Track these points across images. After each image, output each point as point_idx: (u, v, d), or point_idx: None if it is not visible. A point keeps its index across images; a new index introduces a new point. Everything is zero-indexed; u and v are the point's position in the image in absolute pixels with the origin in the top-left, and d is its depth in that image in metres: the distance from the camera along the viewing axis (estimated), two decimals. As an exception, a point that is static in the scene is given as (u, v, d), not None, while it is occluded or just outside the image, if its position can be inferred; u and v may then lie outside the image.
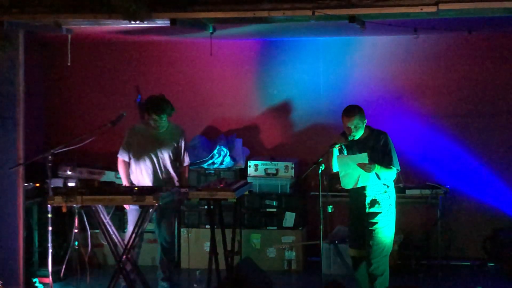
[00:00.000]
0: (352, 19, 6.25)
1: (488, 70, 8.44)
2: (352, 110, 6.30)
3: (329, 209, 6.36)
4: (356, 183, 6.27)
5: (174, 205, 7.02)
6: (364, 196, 6.33)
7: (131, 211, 7.02)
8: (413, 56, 8.51)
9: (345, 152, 6.40)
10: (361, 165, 6.18)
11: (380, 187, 6.31)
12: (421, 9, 6.11)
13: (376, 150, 6.30)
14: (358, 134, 6.31)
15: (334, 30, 7.77)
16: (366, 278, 6.40)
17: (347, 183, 6.31)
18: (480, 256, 8.30)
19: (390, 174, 6.32)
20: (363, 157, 6.18)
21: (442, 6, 6.04)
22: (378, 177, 6.28)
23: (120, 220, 7.94)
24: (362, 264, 6.45)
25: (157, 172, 7.02)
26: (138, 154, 7.04)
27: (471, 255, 8.38)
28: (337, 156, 6.32)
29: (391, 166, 6.28)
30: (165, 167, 7.05)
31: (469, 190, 8.41)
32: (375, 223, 6.29)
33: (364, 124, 6.33)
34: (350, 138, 6.26)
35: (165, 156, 7.05)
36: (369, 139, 6.35)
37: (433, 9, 6.08)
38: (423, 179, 8.30)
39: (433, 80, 8.55)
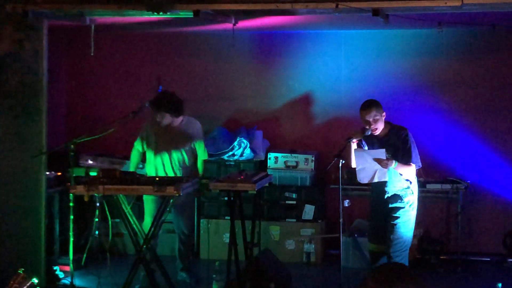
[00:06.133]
0: (375, 12, 6.19)
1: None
2: (368, 103, 6.25)
3: (345, 203, 6.32)
4: (372, 179, 6.18)
5: (192, 197, 7.03)
6: (386, 192, 6.27)
7: (148, 201, 7.06)
8: (435, 50, 8.45)
9: (365, 147, 6.36)
10: (379, 160, 6.13)
11: (402, 183, 6.24)
12: (446, 3, 6.05)
13: (397, 147, 6.22)
14: (380, 127, 6.26)
15: (356, 22, 7.74)
16: (384, 273, 6.37)
17: (363, 177, 6.22)
18: (500, 252, 8.23)
19: (409, 171, 6.24)
20: (381, 153, 6.12)
21: (467, 0, 5.99)
22: (400, 173, 6.23)
23: (139, 209, 7.97)
24: (380, 259, 6.42)
25: (170, 168, 7.03)
26: (152, 150, 7.06)
27: (491, 250, 8.32)
28: (355, 149, 6.25)
29: (410, 163, 6.21)
30: (179, 163, 7.05)
31: (490, 185, 8.36)
32: (397, 217, 6.22)
33: (383, 117, 6.25)
34: (368, 133, 6.22)
35: (180, 152, 7.03)
36: (390, 136, 6.27)
37: (457, 2, 6.01)
38: (444, 173, 8.26)
39: (456, 74, 8.49)
